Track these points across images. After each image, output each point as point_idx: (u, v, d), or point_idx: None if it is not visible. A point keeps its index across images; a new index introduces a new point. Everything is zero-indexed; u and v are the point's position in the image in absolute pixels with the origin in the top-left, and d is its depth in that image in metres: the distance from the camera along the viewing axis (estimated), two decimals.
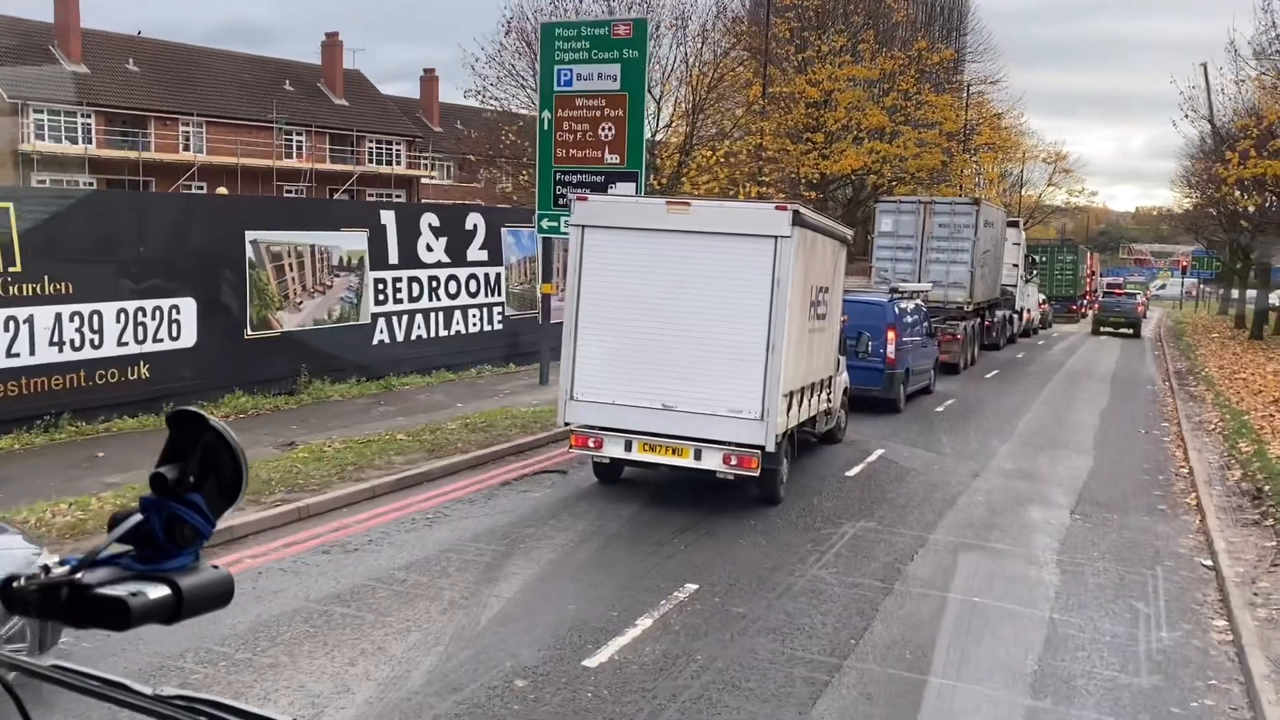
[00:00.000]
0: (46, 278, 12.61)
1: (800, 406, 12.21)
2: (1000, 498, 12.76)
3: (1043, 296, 47.01)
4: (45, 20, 46.19)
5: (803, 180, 36.53)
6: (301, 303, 16.39)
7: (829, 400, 14.30)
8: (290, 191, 50.60)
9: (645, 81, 17.71)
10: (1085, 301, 62.44)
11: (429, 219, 19.03)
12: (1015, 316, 36.99)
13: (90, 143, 45.76)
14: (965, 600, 8.79)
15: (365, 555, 9.03)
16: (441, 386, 18.03)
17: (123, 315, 13.57)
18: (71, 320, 12.96)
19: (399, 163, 59.61)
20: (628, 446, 11.44)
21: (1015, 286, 36.37)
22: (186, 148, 49.15)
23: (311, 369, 16.41)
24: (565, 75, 17.70)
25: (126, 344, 13.65)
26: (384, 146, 59.14)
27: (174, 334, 14.26)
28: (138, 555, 1.09)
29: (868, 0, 49.23)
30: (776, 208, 11.20)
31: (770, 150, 36.22)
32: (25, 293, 12.40)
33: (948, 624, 8.24)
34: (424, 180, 60.24)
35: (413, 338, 18.62)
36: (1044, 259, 52.64)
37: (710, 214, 11.34)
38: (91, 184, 42.75)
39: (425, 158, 60.43)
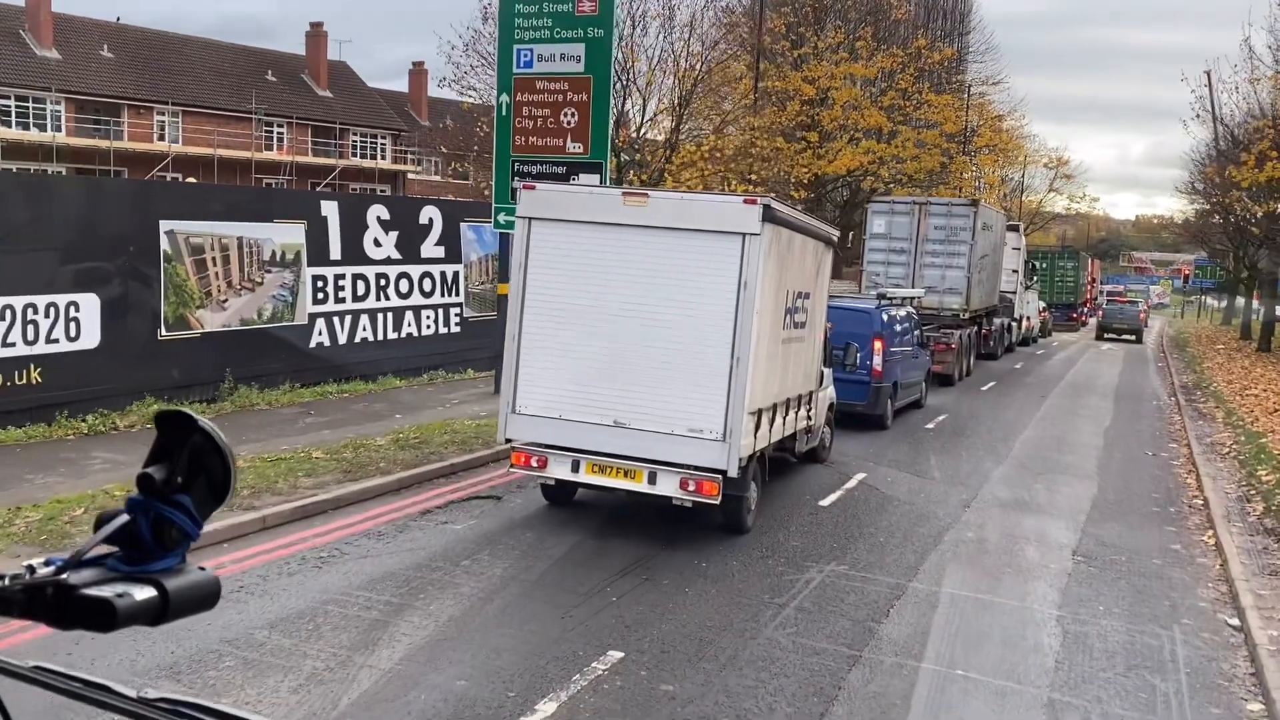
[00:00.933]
0: None
1: (772, 425, 10.75)
2: (993, 534, 11.25)
3: (1043, 304, 45.58)
4: (15, 4, 44.67)
5: (792, 180, 34.95)
6: (226, 300, 14.87)
7: (809, 418, 12.82)
8: (270, 184, 49.00)
9: (611, 63, 16.22)
10: (1086, 309, 61.07)
11: (377, 211, 17.51)
12: (1014, 324, 35.54)
13: (60, 130, 44.27)
14: (947, 674, 7.27)
15: (225, 609, 7.49)
16: (385, 395, 16.50)
17: (9, 312, 12.05)
18: None
19: (384, 157, 58.10)
20: (575, 467, 10.01)
21: (1014, 293, 34.94)
22: (161, 137, 47.65)
23: (237, 374, 14.89)
24: (525, 55, 16.19)
25: (13, 344, 12.12)
26: (369, 140, 57.63)
27: (72, 334, 12.74)
28: (124, 556, 1.07)
29: None
30: (745, 201, 9.71)
31: (761, 147, 34.73)
32: None
33: (922, 706, 6.73)
34: (410, 175, 58.72)
35: (357, 340, 17.09)
36: (1044, 265, 51.31)
37: (670, 207, 9.86)
38: (61, 172, 41.17)
39: (412, 152, 58.87)
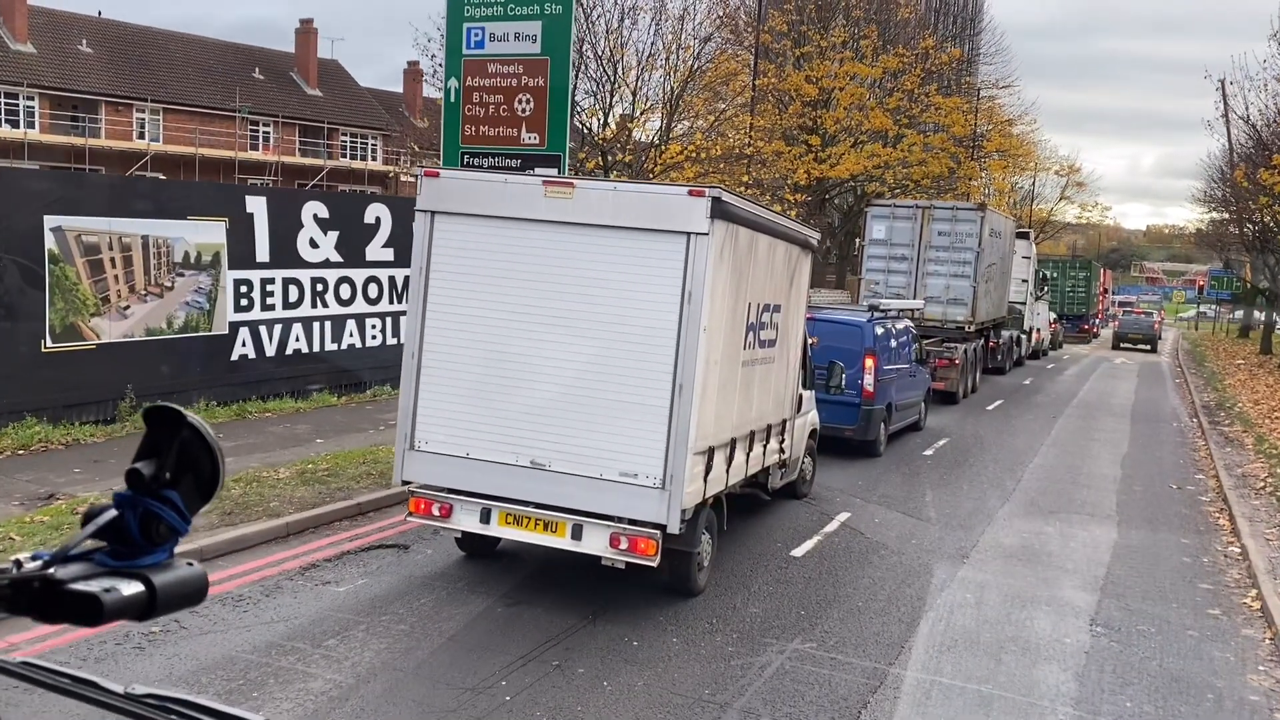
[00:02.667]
0: None
1: (731, 464, 8.95)
2: (995, 596, 9.42)
3: (1053, 315, 43.71)
4: None
5: (788, 183, 33.13)
6: (129, 307, 13.12)
7: (783, 450, 11.01)
8: (255, 184, 47.30)
9: (571, 44, 14.43)
10: (1097, 321, 59.17)
11: (315, 209, 15.75)
12: (1023, 337, 33.67)
13: (34, 127, 42.71)
14: None
15: None
16: (314, 414, 14.73)
17: None
18: None
19: (374, 158, 56.53)
20: (485, 517, 8.24)
21: (1024, 304, 33.08)
22: (141, 135, 46.08)
23: (142, 391, 13.13)
24: (476, 35, 14.42)
25: None
26: (359, 140, 56.09)
27: None
28: (111, 551, 1.08)
29: None
30: (690, 192, 7.91)
31: (760, 149, 32.94)
32: None
33: None
34: (405, 178, 57.03)
35: (288, 352, 15.32)
36: (1055, 275, 49.51)
37: (600, 200, 8.07)
38: (36, 169, 39.55)
39: (403, 153, 57.17)
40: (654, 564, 7.85)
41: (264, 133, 51.21)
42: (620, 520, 7.87)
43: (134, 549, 1.08)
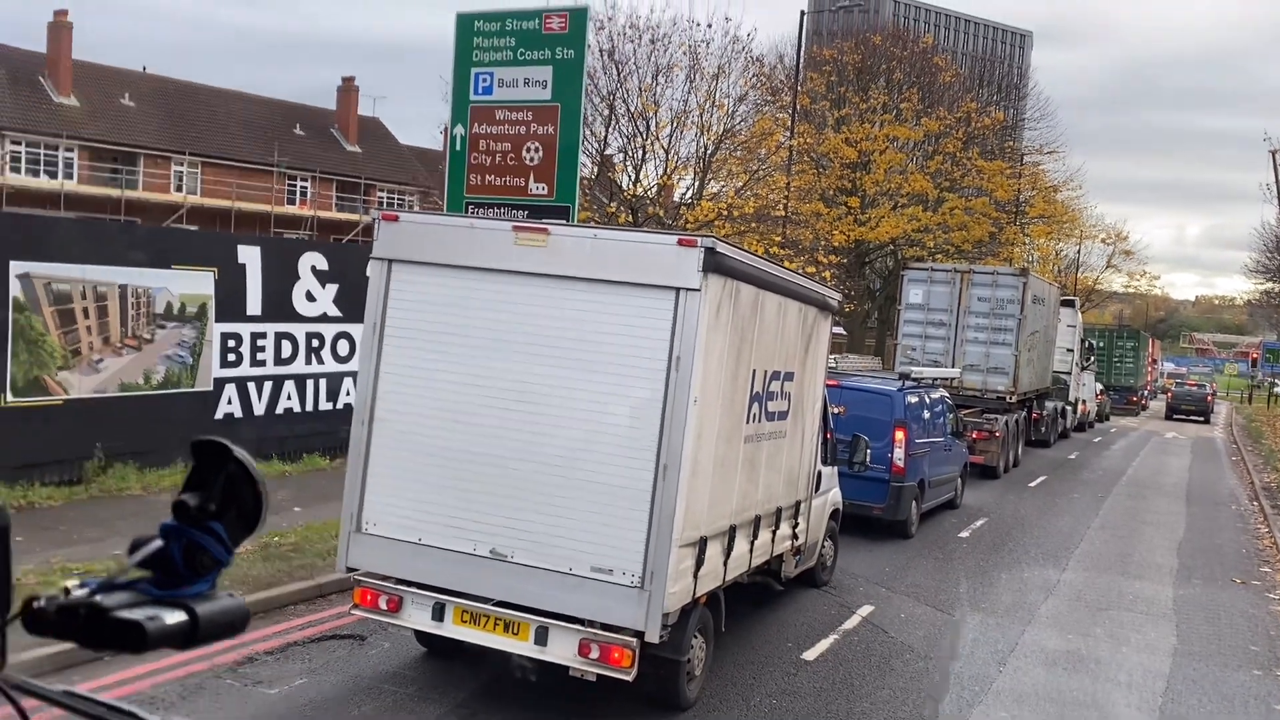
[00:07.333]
0: None
1: (729, 555, 7.83)
2: (1035, 718, 8.12)
3: (1100, 386, 42.09)
4: (37, 50, 43.72)
5: (822, 244, 32.14)
6: (102, 360, 12.30)
7: (797, 536, 9.83)
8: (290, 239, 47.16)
9: (583, 89, 13.64)
10: (1146, 392, 57.34)
11: (313, 260, 14.97)
12: (1069, 409, 32.18)
13: (72, 178, 42.96)
14: None
15: None
16: (299, 478, 13.76)
17: None
18: None
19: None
20: (438, 613, 7.14)
21: (1069, 374, 31.67)
22: (180, 188, 46.24)
23: (113, 450, 12.27)
24: (484, 80, 13.69)
25: None
26: (396, 197, 56.02)
27: None
28: (155, 580, 1.12)
29: (912, 57, 45.31)
30: (680, 242, 6.87)
31: (797, 208, 32.03)
32: None
33: None
34: None
35: (279, 411, 14.43)
36: (1102, 345, 47.91)
37: (577, 248, 7.07)
38: (69, 219, 39.54)
39: (438, 209, 57.09)
40: (629, 677, 6.69)
41: (301, 188, 51.31)
42: (591, 624, 6.74)
43: (178, 579, 1.11)
